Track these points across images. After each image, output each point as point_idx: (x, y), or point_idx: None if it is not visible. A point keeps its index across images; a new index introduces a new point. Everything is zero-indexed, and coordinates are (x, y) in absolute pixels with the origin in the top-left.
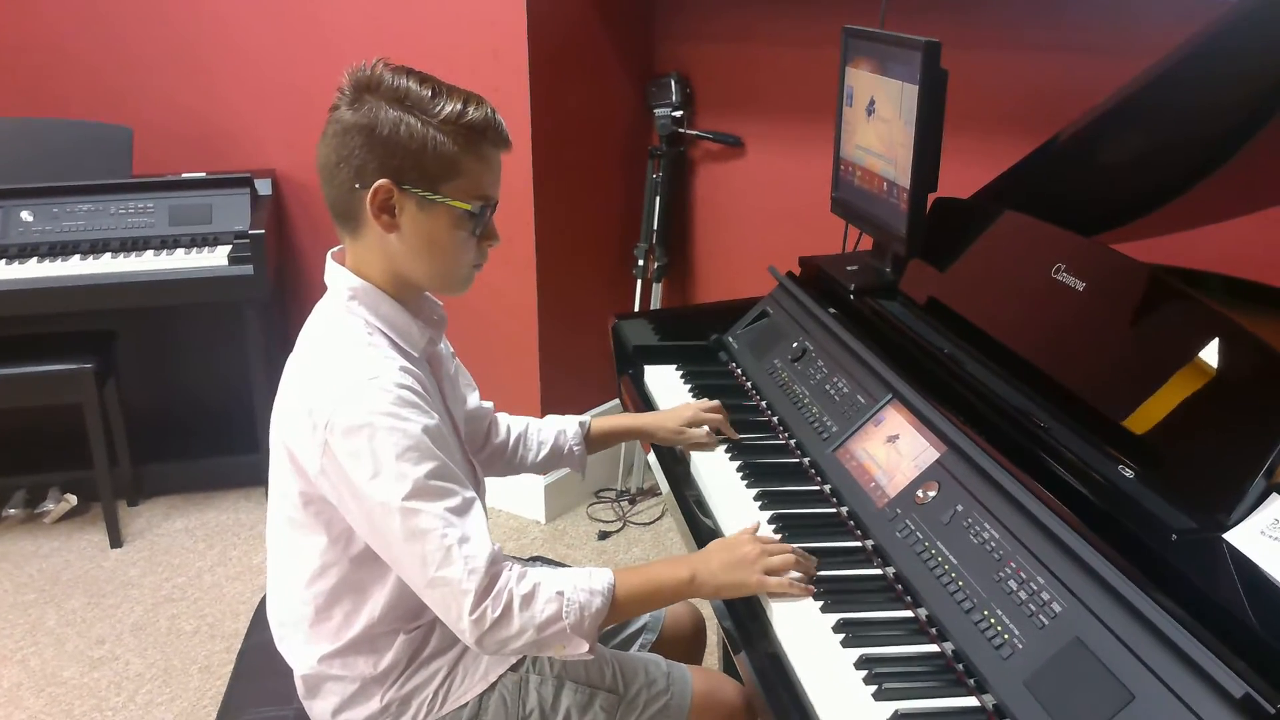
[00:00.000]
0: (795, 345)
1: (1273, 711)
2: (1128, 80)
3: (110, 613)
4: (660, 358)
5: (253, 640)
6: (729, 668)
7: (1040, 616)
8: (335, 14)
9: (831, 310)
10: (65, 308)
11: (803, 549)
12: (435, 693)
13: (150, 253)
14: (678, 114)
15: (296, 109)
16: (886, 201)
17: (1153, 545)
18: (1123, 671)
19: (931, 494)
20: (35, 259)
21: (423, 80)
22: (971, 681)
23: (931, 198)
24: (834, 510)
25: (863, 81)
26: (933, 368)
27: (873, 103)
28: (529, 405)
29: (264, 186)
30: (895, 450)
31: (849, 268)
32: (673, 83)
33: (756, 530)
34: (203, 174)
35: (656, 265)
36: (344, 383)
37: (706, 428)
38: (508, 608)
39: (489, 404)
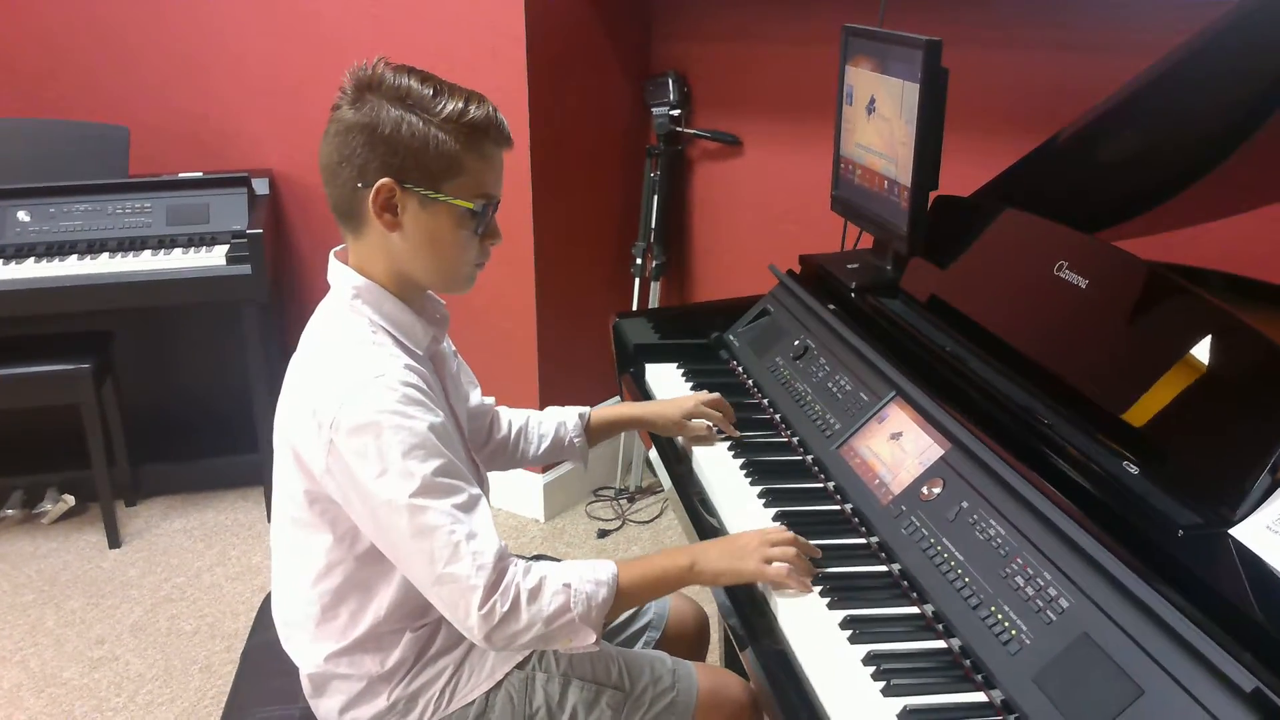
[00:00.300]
0: (797, 343)
1: None
2: (1127, 79)
3: (110, 613)
4: (661, 356)
5: (256, 639)
6: (731, 665)
7: (1048, 612)
8: (332, 13)
9: (832, 308)
10: (62, 308)
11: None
12: (442, 690)
13: (148, 252)
14: (675, 113)
15: (293, 108)
16: (887, 199)
17: (1159, 540)
18: (1131, 666)
19: (936, 491)
20: (32, 259)
21: (424, 79)
22: (979, 677)
23: (932, 195)
24: (838, 507)
25: (863, 80)
26: (936, 365)
27: (873, 101)
28: (528, 403)
29: (261, 186)
30: (899, 447)
31: (849, 266)
32: (670, 82)
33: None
34: (200, 174)
35: (654, 264)
36: (349, 381)
37: (707, 421)
38: (516, 602)
39: (490, 400)
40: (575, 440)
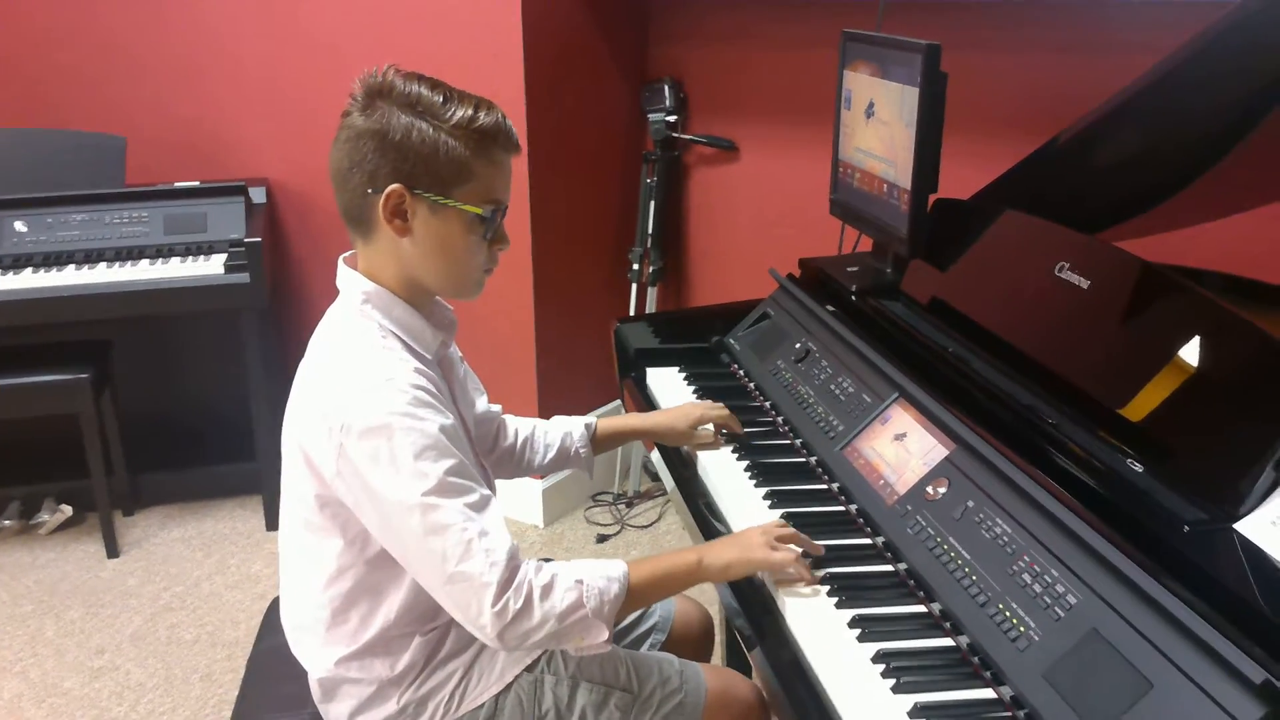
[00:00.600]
0: (798, 346)
1: None
2: (1124, 82)
3: (109, 623)
4: (662, 360)
5: (263, 645)
6: (732, 666)
7: (1056, 609)
8: (329, 21)
9: (833, 310)
10: (60, 318)
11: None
12: (452, 694)
13: (145, 262)
14: (671, 118)
15: (290, 117)
16: (887, 203)
17: (1165, 536)
18: (1141, 661)
19: (942, 490)
20: (30, 269)
21: (434, 86)
22: (988, 674)
23: (932, 199)
24: (843, 508)
25: (861, 84)
26: (939, 366)
27: (872, 105)
28: (527, 408)
29: (258, 195)
30: (904, 448)
31: (849, 269)
32: (666, 87)
33: None
34: (196, 183)
35: (651, 269)
36: (360, 384)
37: (711, 426)
38: (529, 598)
39: (497, 407)
40: (581, 450)
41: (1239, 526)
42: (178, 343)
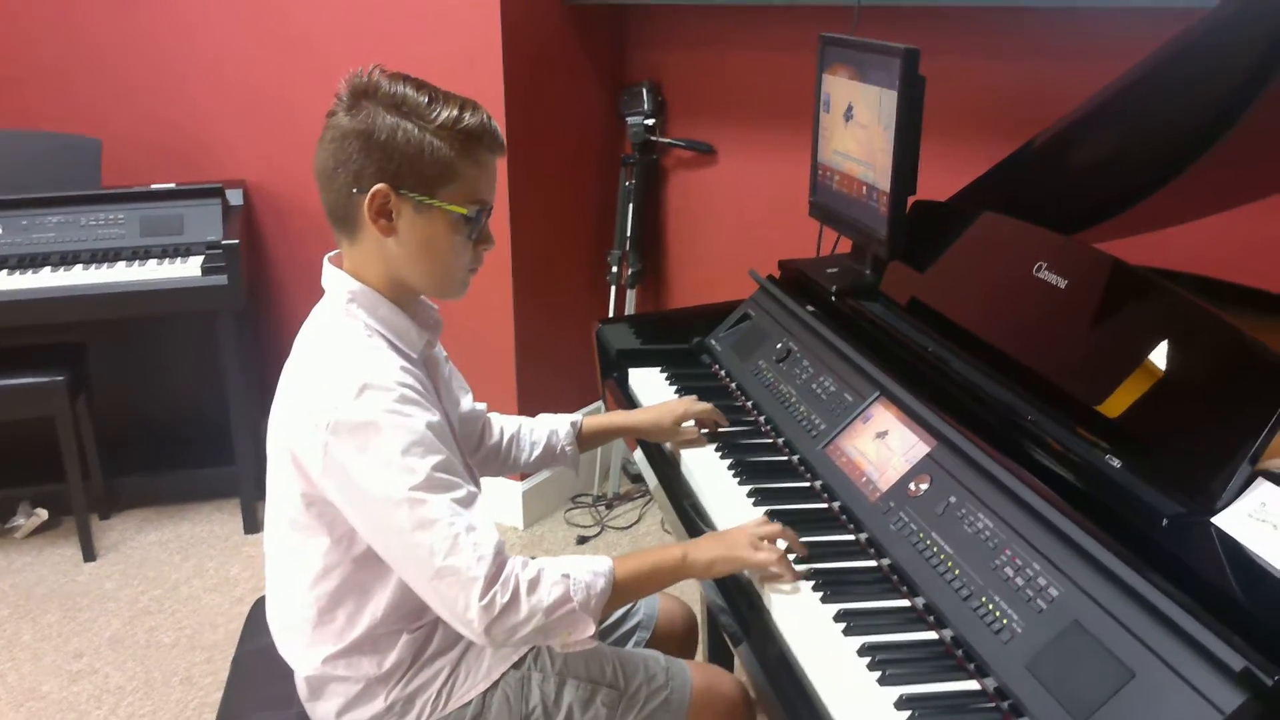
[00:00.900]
0: (779, 346)
1: (1270, 683)
2: (1099, 85)
3: (87, 626)
4: (643, 361)
5: (247, 646)
6: (715, 662)
7: (1038, 601)
8: (307, 22)
9: (813, 310)
10: (36, 320)
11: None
12: (439, 691)
13: (122, 264)
14: (650, 122)
15: (268, 118)
16: (866, 205)
17: (1145, 530)
18: (1122, 651)
19: (924, 487)
20: (4, 271)
21: (419, 86)
22: (972, 666)
23: (910, 200)
24: (826, 505)
25: (840, 88)
26: (919, 365)
27: (850, 109)
28: (507, 408)
29: (235, 197)
30: (885, 446)
31: (829, 270)
32: (644, 91)
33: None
34: (173, 184)
35: (630, 271)
36: (346, 383)
37: (693, 422)
38: (515, 593)
39: (482, 406)
40: (567, 448)
41: (1216, 520)
42: (154, 345)
